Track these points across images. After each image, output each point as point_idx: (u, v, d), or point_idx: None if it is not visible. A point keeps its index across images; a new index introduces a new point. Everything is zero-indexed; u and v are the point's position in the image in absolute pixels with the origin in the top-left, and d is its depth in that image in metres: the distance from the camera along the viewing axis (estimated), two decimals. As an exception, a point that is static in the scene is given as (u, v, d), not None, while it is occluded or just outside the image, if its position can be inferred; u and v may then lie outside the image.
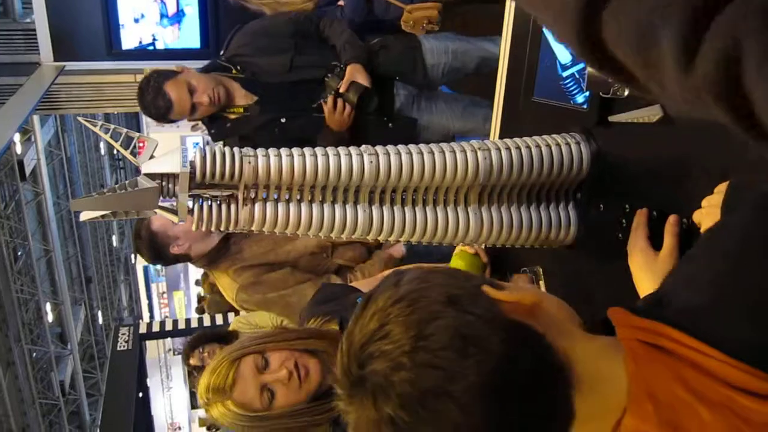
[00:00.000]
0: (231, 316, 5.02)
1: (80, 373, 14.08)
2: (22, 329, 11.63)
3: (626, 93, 1.17)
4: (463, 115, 2.45)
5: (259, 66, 2.31)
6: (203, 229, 1.15)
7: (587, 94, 1.30)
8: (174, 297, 16.93)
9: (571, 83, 1.33)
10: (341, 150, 1.20)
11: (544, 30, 1.35)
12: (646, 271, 1.11)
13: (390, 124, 2.32)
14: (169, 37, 3.91)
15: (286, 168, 1.16)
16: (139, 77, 2.47)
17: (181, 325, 6.91)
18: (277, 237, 2.06)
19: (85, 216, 1.09)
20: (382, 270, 2.13)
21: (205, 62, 2.48)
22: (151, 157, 1.10)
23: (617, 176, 1.28)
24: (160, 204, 1.11)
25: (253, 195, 1.20)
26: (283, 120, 2.29)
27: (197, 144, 8.81)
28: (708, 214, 0.98)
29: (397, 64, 2.35)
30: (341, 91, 2.17)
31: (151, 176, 1.09)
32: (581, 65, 1.29)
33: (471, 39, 2.44)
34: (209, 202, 1.17)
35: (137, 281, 19.29)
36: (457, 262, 1.69)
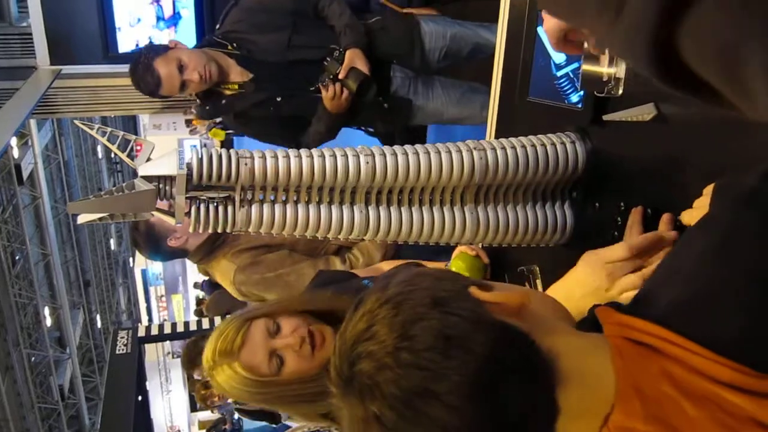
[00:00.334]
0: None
1: (79, 377, 14.07)
2: (20, 334, 11.61)
3: (620, 92, 1.18)
4: (459, 102, 2.44)
5: (256, 43, 2.28)
6: (200, 231, 1.16)
7: (581, 93, 1.30)
8: (173, 300, 16.91)
9: (566, 83, 1.34)
10: (337, 151, 1.20)
11: (539, 30, 1.35)
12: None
13: (385, 105, 2.32)
14: (166, 40, 3.91)
15: (282, 169, 1.17)
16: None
17: (180, 328, 6.91)
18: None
19: (82, 219, 1.10)
20: (381, 250, 2.11)
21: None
22: (148, 159, 1.11)
23: (612, 175, 1.29)
24: (157, 206, 1.12)
25: (249, 196, 1.20)
26: (278, 99, 2.29)
27: (194, 146, 8.80)
28: (695, 218, 0.98)
29: (395, 46, 2.33)
30: (341, 77, 2.16)
31: (148, 178, 1.10)
32: (575, 65, 1.30)
33: (468, 24, 2.44)
34: (206, 203, 1.17)
35: (135, 284, 19.27)
36: (457, 264, 1.69)
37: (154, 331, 6.80)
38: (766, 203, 0.67)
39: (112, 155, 16.18)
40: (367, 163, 1.20)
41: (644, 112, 1.14)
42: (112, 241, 18.88)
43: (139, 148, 1.16)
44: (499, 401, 0.66)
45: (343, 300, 1.41)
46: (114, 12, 3.79)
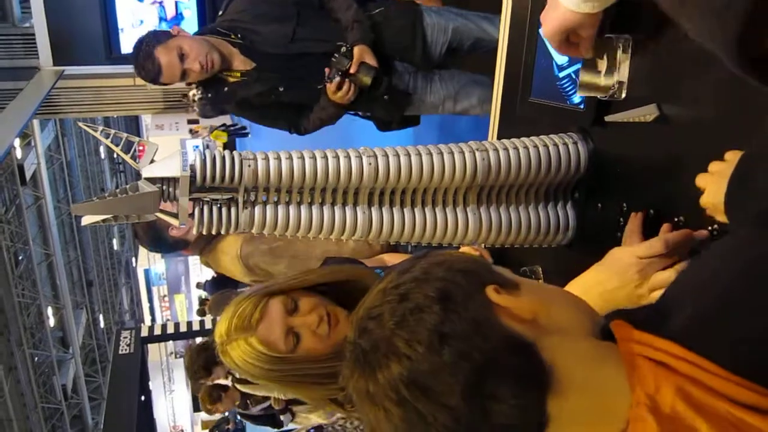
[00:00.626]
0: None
1: (82, 377, 14.09)
2: (23, 334, 11.63)
3: (623, 95, 1.18)
4: (457, 95, 2.44)
5: (259, 34, 2.28)
6: (204, 232, 1.16)
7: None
8: (175, 300, 16.93)
9: (568, 84, 1.34)
10: (340, 152, 1.20)
11: (541, 32, 1.35)
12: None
13: (385, 97, 2.31)
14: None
15: (285, 171, 1.17)
16: (138, 81, 2.49)
17: (183, 328, 6.93)
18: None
19: (86, 220, 1.10)
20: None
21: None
22: (152, 161, 1.11)
23: (614, 175, 1.29)
24: (160, 207, 1.12)
25: (253, 198, 1.21)
26: (280, 89, 2.29)
27: (197, 147, 8.82)
28: (714, 181, 0.96)
29: (398, 39, 2.32)
30: (352, 71, 2.16)
31: (151, 180, 1.10)
32: (577, 66, 1.30)
33: (470, 16, 2.42)
34: (209, 205, 1.17)
35: (138, 284, 19.29)
36: None
37: (157, 331, 6.82)
38: None
39: (115, 156, 16.20)
40: (370, 164, 1.20)
41: (646, 113, 1.15)
42: (114, 241, 18.92)
43: (142, 149, 1.16)
44: (488, 405, 0.66)
45: (363, 272, 1.40)
46: (117, 13, 3.80)
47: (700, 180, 1.00)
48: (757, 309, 0.63)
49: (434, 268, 0.73)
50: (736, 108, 1.00)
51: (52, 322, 12.95)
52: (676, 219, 1.12)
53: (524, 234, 1.36)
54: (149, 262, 16.78)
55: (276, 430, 4.14)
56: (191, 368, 3.31)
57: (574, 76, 1.32)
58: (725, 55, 0.46)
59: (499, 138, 1.60)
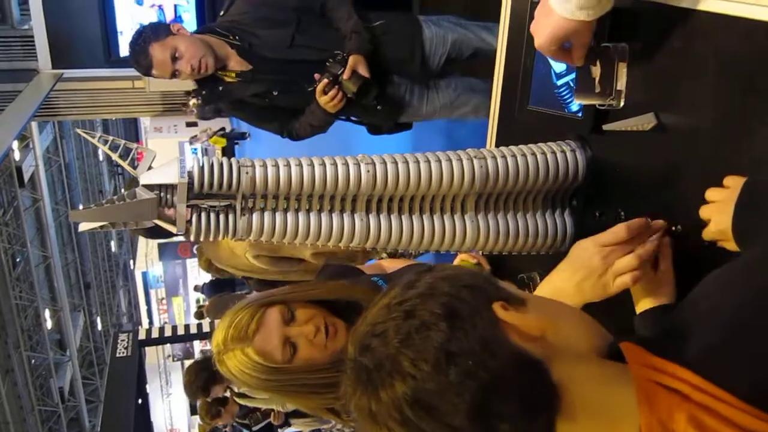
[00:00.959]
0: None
1: (79, 379, 14.07)
2: (21, 336, 11.62)
3: (621, 104, 1.18)
4: (453, 104, 2.45)
5: (258, 37, 2.28)
6: (201, 239, 1.16)
7: (581, 102, 1.31)
8: (173, 303, 16.91)
9: (566, 92, 1.34)
10: (338, 159, 1.21)
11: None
12: (643, 291, 1.11)
13: (378, 107, 2.32)
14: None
15: (283, 178, 1.17)
16: (137, 83, 2.50)
17: (181, 331, 6.93)
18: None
19: (84, 227, 1.10)
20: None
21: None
22: (149, 167, 1.11)
23: (612, 183, 1.29)
24: (158, 214, 1.12)
25: (251, 205, 1.21)
26: (275, 92, 2.30)
27: (195, 150, 8.81)
28: (719, 210, 0.95)
29: (396, 52, 2.33)
30: (344, 77, 2.17)
31: (149, 187, 1.10)
32: (575, 74, 1.30)
33: (470, 26, 2.43)
34: (207, 212, 1.17)
35: (136, 287, 19.27)
36: None
37: (155, 334, 6.81)
38: None
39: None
40: (368, 171, 1.20)
41: (644, 122, 1.15)
42: (112, 244, 18.90)
43: (140, 155, 1.16)
44: (494, 425, 0.64)
45: (359, 290, 1.40)
46: (116, 16, 3.80)
47: (704, 212, 0.99)
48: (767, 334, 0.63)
49: (440, 283, 0.71)
50: (733, 117, 1.01)
51: (49, 324, 12.94)
52: (673, 228, 1.12)
53: (522, 241, 1.36)
54: (147, 265, 16.77)
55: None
56: (190, 388, 3.33)
57: (572, 84, 1.32)
58: None
59: (497, 145, 1.60)
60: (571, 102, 1.34)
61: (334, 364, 1.26)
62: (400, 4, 3.16)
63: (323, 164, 1.19)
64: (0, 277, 10.85)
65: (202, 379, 3.22)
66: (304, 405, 1.37)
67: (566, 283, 1.09)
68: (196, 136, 8.40)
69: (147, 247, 16.10)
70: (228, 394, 3.41)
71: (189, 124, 9.00)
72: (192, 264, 15.17)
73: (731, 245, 0.91)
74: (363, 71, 2.17)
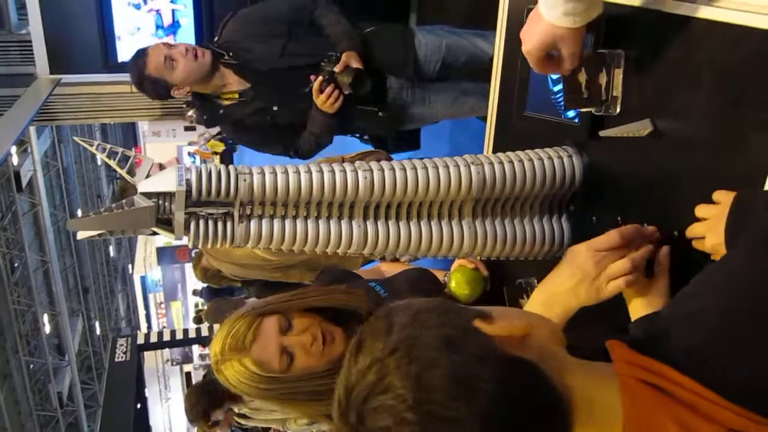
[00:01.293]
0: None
1: (78, 384, 14.05)
2: (19, 341, 11.61)
3: (618, 110, 1.19)
4: (453, 104, 2.47)
5: (251, 52, 2.31)
6: (200, 246, 1.16)
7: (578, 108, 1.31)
8: (172, 307, 16.88)
9: (562, 98, 1.34)
10: (336, 166, 1.21)
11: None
12: (638, 298, 1.11)
13: (380, 114, 2.34)
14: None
15: (281, 185, 1.18)
16: (135, 88, 2.51)
17: (179, 336, 6.92)
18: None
19: (82, 235, 1.10)
20: None
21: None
22: (147, 175, 1.12)
23: (609, 189, 1.30)
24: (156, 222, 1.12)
25: (248, 212, 1.21)
26: (275, 108, 2.32)
27: (194, 157, 8.81)
28: (710, 228, 0.96)
29: (389, 57, 2.35)
30: (337, 71, 2.19)
31: (147, 195, 1.11)
32: (561, 84, 1.31)
33: (464, 33, 2.46)
34: (205, 219, 1.18)
35: (135, 291, 19.24)
36: (457, 278, 1.69)
37: (153, 339, 6.80)
38: None
39: (112, 162, 16.15)
40: (366, 178, 1.21)
41: (640, 128, 1.15)
42: (111, 248, 18.89)
43: (138, 162, 1.17)
44: None
45: (355, 296, 1.41)
46: (113, 21, 3.80)
47: (696, 229, 1.01)
48: (753, 337, 0.63)
49: (421, 316, 0.70)
50: (729, 123, 1.01)
51: (47, 329, 12.92)
52: (672, 233, 1.13)
53: (519, 246, 1.36)
54: (146, 269, 16.75)
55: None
56: (191, 413, 3.34)
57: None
58: None
59: (494, 151, 1.61)
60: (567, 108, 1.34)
61: (332, 371, 1.26)
62: (397, 18, 3.20)
63: (321, 171, 1.20)
64: (-2, 282, 10.85)
65: (203, 405, 3.23)
66: (304, 412, 1.38)
67: (560, 287, 1.10)
68: (196, 141, 8.40)
69: (145, 252, 16.09)
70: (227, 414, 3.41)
71: (187, 128, 9.00)
72: (191, 268, 15.17)
73: None
74: (356, 64, 2.20)
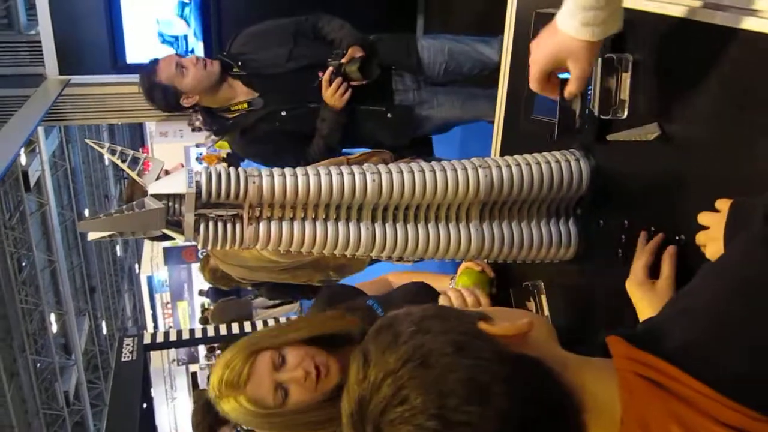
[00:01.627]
0: (235, 327, 5.03)
1: (84, 383, 14.09)
2: (26, 340, 11.65)
3: (625, 114, 1.19)
4: (462, 107, 2.50)
5: (259, 60, 2.37)
6: (209, 248, 1.17)
7: (586, 112, 1.31)
8: (178, 307, 16.93)
9: (555, 126, 1.35)
10: (344, 169, 1.22)
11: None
12: (645, 300, 1.12)
13: (389, 115, 2.37)
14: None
15: (290, 187, 1.19)
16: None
17: (186, 336, 6.92)
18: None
19: (92, 236, 1.11)
20: None
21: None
22: (157, 178, 1.13)
23: (616, 192, 1.30)
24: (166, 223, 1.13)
25: (257, 214, 1.22)
26: (283, 113, 2.35)
27: (200, 155, 8.82)
28: (710, 237, 0.97)
29: (393, 57, 2.41)
30: (343, 62, 2.23)
31: (157, 197, 1.12)
32: (557, 108, 1.31)
33: (466, 40, 2.50)
34: (215, 221, 1.19)
35: (141, 291, 19.32)
36: (463, 280, 1.69)
37: (160, 339, 6.80)
38: None
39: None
40: (374, 180, 1.21)
41: (647, 132, 1.16)
42: (118, 248, 18.94)
43: (146, 165, 1.18)
44: None
45: (348, 322, 1.44)
46: (122, 22, 3.81)
47: (699, 239, 1.01)
48: (748, 333, 0.64)
49: (425, 324, 0.71)
50: (736, 127, 1.01)
51: (54, 328, 12.97)
52: (677, 237, 1.13)
53: (526, 249, 1.37)
54: (152, 269, 16.80)
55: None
56: (198, 430, 3.36)
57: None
58: None
59: (502, 154, 1.61)
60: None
61: (327, 402, 1.31)
62: (403, 28, 3.25)
63: (329, 174, 1.21)
64: (6, 281, 10.89)
65: (209, 421, 3.25)
66: None
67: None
68: (204, 143, 8.41)
69: (152, 252, 16.15)
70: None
71: (194, 129, 9.03)
72: (197, 268, 15.20)
73: None
74: (361, 53, 2.25)
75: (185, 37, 3.85)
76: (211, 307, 9.71)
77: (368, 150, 2.47)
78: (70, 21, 3.86)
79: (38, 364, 12.51)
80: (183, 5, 3.83)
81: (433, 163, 1.27)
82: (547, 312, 1.55)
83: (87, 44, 3.93)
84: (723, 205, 0.95)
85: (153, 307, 18.14)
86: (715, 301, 0.69)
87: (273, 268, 2.30)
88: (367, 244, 1.26)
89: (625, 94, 1.18)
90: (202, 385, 11.25)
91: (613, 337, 0.74)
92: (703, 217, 1.00)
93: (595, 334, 1.10)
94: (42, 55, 3.96)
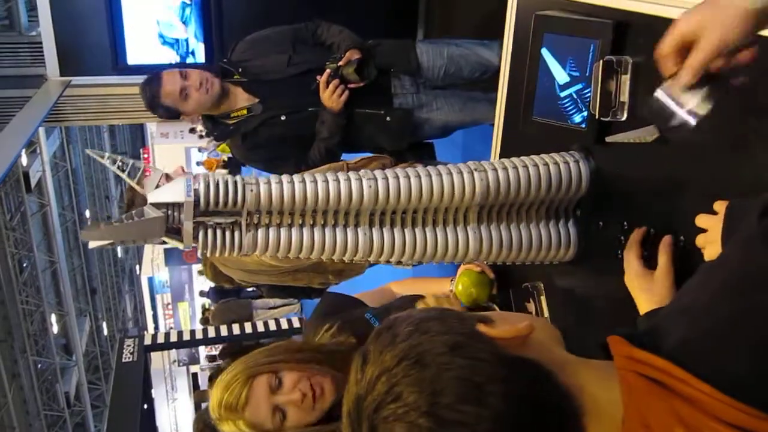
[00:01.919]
0: (236, 327, 5.03)
1: (85, 384, 14.11)
2: (27, 341, 11.67)
3: (624, 116, 1.19)
4: (462, 110, 2.50)
5: (260, 66, 2.39)
6: (208, 254, 1.18)
7: (585, 114, 1.32)
8: (179, 308, 16.93)
9: (569, 103, 1.35)
10: (340, 175, 1.22)
11: (543, 51, 1.37)
12: (644, 292, 1.13)
13: (388, 118, 2.38)
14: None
15: (287, 194, 1.19)
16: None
17: (186, 336, 6.92)
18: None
19: (93, 244, 1.12)
20: None
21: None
22: (157, 186, 1.13)
23: (615, 194, 1.30)
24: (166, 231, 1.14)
25: (256, 221, 1.22)
26: (283, 117, 2.37)
27: (200, 163, 8.82)
28: (708, 240, 0.98)
29: (392, 60, 2.42)
30: (341, 64, 2.26)
31: (157, 205, 1.12)
32: (579, 86, 1.31)
33: (465, 44, 2.51)
34: (213, 228, 1.19)
35: (142, 292, 19.30)
36: (463, 281, 1.69)
37: (160, 340, 6.80)
38: None
39: (119, 165, 16.16)
40: (370, 186, 1.22)
41: (647, 134, 1.15)
42: (118, 249, 18.94)
43: (147, 172, 1.18)
44: None
45: (343, 341, 1.48)
46: (123, 24, 3.81)
47: (698, 241, 1.02)
48: (748, 332, 0.64)
49: (423, 324, 0.71)
50: (734, 129, 1.01)
51: (55, 329, 12.98)
52: (676, 239, 1.13)
53: (525, 251, 1.37)
54: (153, 270, 16.80)
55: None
56: None
57: (575, 96, 1.33)
58: None
59: (501, 156, 1.61)
60: (574, 114, 1.35)
61: (325, 420, 1.35)
62: (404, 34, 3.27)
63: (326, 180, 1.21)
64: (7, 282, 10.90)
65: (211, 430, 3.26)
66: None
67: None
68: (205, 148, 8.44)
69: (153, 253, 16.15)
70: None
71: (200, 136, 9.05)
72: (198, 270, 15.21)
73: None
74: (357, 55, 2.27)
75: (186, 39, 3.85)
76: (212, 308, 9.73)
77: (368, 155, 2.47)
78: (71, 22, 3.86)
79: (39, 365, 12.53)
80: (184, 6, 3.83)
81: (429, 167, 1.27)
82: (546, 313, 1.55)
83: (88, 45, 3.93)
84: (721, 207, 0.96)
85: (154, 308, 18.13)
86: (715, 299, 0.69)
87: (273, 271, 2.31)
88: (365, 250, 1.26)
89: (624, 96, 1.18)
90: (202, 386, 11.25)
91: (613, 337, 0.74)
92: (701, 220, 1.00)
93: (595, 335, 1.10)
94: (43, 56, 3.96)
